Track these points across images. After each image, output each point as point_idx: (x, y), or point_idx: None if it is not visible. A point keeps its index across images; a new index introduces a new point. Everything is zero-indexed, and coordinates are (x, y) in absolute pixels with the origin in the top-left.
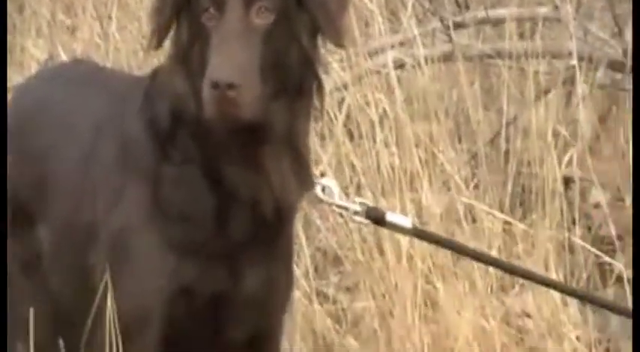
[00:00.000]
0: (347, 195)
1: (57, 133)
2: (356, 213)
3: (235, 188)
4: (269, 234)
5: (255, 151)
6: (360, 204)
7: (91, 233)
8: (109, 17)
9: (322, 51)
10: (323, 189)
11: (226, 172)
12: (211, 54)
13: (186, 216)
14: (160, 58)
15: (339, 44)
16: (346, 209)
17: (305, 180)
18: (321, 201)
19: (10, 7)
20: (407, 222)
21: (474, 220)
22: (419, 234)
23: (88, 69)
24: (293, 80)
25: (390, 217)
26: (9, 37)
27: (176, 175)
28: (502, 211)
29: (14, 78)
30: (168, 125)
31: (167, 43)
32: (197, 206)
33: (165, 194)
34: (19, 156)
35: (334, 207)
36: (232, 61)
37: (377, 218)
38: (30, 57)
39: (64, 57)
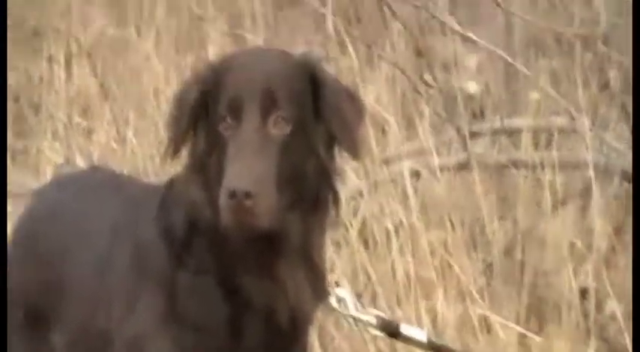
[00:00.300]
0: (361, 303)
1: (72, 239)
2: (370, 325)
3: (250, 297)
4: (283, 343)
5: (270, 261)
6: (375, 316)
7: (105, 340)
8: (126, 121)
9: (338, 160)
10: (338, 301)
11: (242, 281)
12: (228, 163)
13: (200, 325)
14: (177, 163)
15: (356, 156)
16: (361, 321)
17: (320, 290)
18: (335, 311)
19: (27, 109)
20: (422, 335)
21: (488, 331)
22: (434, 347)
23: (104, 176)
24: (309, 190)
25: (405, 330)
26: (25, 141)
27: (191, 283)
28: (517, 322)
29: (29, 182)
30: (184, 234)
31: (184, 152)
32: (211, 314)
33: (180, 302)
34: (34, 261)
35: (349, 319)
36: (249, 171)
37: (391, 331)
38: (46, 160)
39: (79, 160)
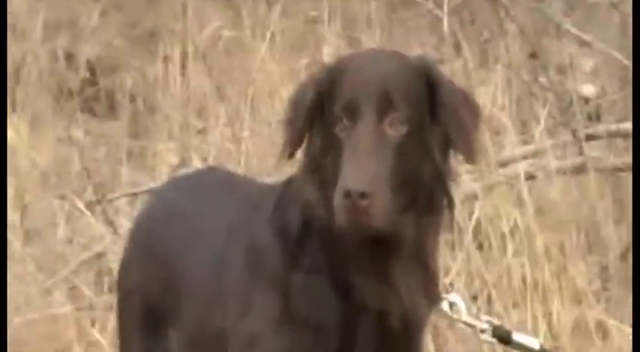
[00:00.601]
0: (476, 307)
1: (189, 239)
2: (482, 331)
3: (363, 298)
4: (396, 345)
5: (384, 263)
6: (487, 322)
7: (221, 339)
8: (241, 122)
9: (453, 163)
10: (450, 305)
11: (355, 282)
12: (344, 163)
13: (313, 324)
14: (291, 164)
15: (472, 159)
16: (472, 326)
17: (433, 295)
18: (448, 317)
19: (143, 110)
20: (534, 343)
21: (604, 335)
22: None
23: (220, 176)
24: (423, 193)
25: (517, 337)
26: (141, 142)
27: (304, 283)
28: (633, 327)
29: (146, 182)
30: (298, 232)
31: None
32: (324, 314)
33: (294, 302)
34: (152, 260)
35: (461, 324)
36: (364, 171)
37: (503, 337)
38: (162, 161)
39: (195, 161)
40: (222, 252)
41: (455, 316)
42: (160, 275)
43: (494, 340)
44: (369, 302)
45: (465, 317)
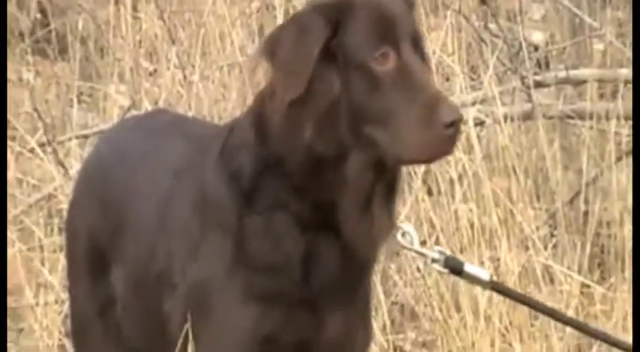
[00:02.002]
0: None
1: (136, 181)
2: (434, 261)
3: (344, 228)
4: (352, 280)
5: (372, 193)
6: (439, 252)
7: (166, 280)
8: (192, 66)
9: None
10: (402, 234)
11: (341, 213)
12: (418, 94)
13: (271, 265)
14: (242, 107)
15: None
16: (425, 256)
17: (394, 219)
18: (400, 246)
19: (93, 53)
20: (485, 274)
21: (551, 280)
22: (496, 287)
23: (169, 118)
24: None
25: (469, 268)
26: (91, 83)
27: (262, 223)
28: (580, 273)
29: (97, 124)
30: (253, 174)
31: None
32: (284, 252)
33: (249, 244)
34: (98, 202)
35: (413, 253)
36: (448, 98)
37: (455, 267)
38: (112, 103)
39: (146, 104)
40: (168, 194)
41: (407, 246)
42: (107, 216)
43: (445, 271)
44: (348, 233)
45: (417, 247)
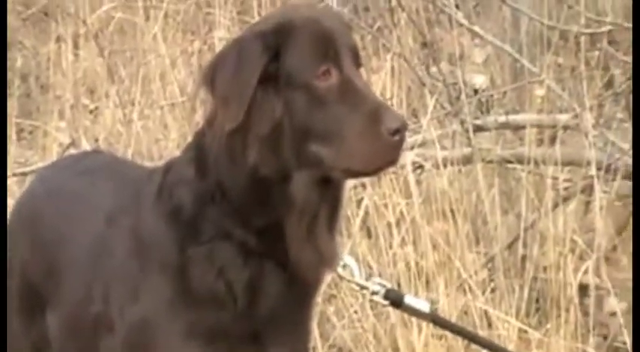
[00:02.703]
0: (367, 272)
1: (68, 221)
2: (375, 293)
3: (291, 254)
4: (296, 309)
5: (319, 212)
6: (380, 284)
7: (103, 323)
8: (132, 104)
9: None
10: (343, 267)
11: (290, 237)
12: (362, 105)
13: (214, 296)
14: (179, 145)
15: None
16: (366, 288)
17: (338, 244)
18: (341, 278)
19: (34, 89)
20: (425, 306)
21: (489, 325)
22: (436, 320)
23: (104, 159)
24: None
25: (409, 300)
26: (31, 120)
27: (206, 253)
28: (518, 317)
29: (37, 161)
30: (194, 207)
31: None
32: (226, 281)
33: (192, 276)
34: (31, 241)
35: (354, 285)
36: (392, 107)
37: (395, 299)
38: (52, 140)
39: (85, 142)
40: (101, 236)
41: (349, 278)
42: (40, 256)
43: (386, 303)
44: (294, 256)
45: (359, 279)
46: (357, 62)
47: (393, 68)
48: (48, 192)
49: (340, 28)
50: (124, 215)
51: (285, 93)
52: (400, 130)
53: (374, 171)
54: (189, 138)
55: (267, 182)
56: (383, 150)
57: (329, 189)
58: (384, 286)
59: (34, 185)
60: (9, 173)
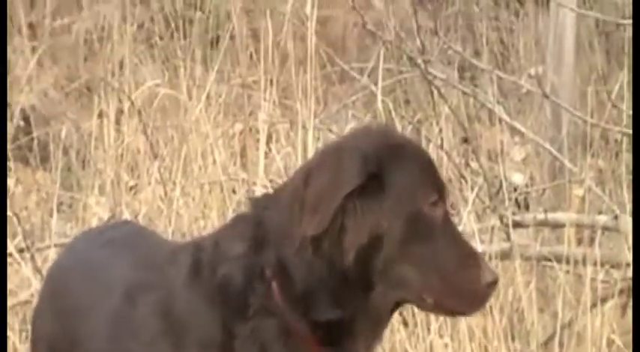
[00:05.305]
0: None
1: (88, 294)
2: None
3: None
4: None
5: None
6: None
7: None
8: (173, 182)
9: None
10: None
11: (351, 336)
12: (464, 247)
13: None
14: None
15: None
16: None
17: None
18: None
19: (76, 163)
20: None
21: None
22: None
23: (130, 230)
24: None
25: None
26: (72, 193)
27: (249, 331)
28: None
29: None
30: (244, 282)
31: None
32: None
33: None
34: (56, 313)
35: None
36: None
37: None
38: (92, 215)
39: (126, 216)
40: (120, 312)
41: None
42: (63, 328)
43: None
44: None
45: None
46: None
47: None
48: (73, 263)
49: (434, 166)
50: (146, 292)
51: (391, 209)
52: (494, 284)
53: (458, 311)
54: (229, 217)
55: (350, 284)
56: (475, 298)
57: (395, 309)
58: None
59: (62, 255)
60: (50, 243)
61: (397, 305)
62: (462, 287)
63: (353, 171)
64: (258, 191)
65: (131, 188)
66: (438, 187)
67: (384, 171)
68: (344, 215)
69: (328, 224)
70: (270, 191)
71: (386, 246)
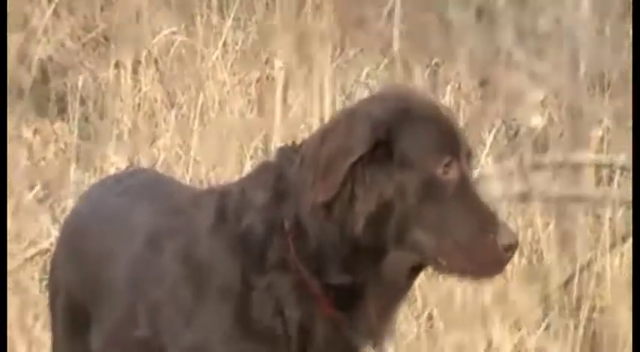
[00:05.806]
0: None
1: (108, 241)
2: None
3: (360, 314)
4: None
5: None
6: None
7: (150, 349)
8: (190, 130)
9: None
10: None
11: (363, 302)
12: (481, 209)
13: (271, 332)
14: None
15: None
16: None
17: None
18: None
19: (92, 113)
20: None
21: None
22: None
23: (147, 178)
24: None
25: None
26: (89, 144)
27: (265, 285)
28: None
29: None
30: (264, 234)
31: None
32: (284, 319)
33: (253, 308)
34: (76, 259)
35: None
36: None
37: None
38: (110, 164)
39: (144, 165)
40: (142, 258)
41: None
42: (84, 274)
43: None
44: (357, 319)
45: None
46: (470, 163)
47: (450, 104)
48: (90, 211)
49: (458, 124)
50: (169, 237)
51: (400, 176)
52: (513, 247)
53: (475, 276)
54: (248, 166)
55: (362, 250)
56: (493, 262)
57: (413, 275)
58: None
59: (78, 203)
60: (68, 193)
61: (414, 271)
62: (476, 252)
63: (360, 138)
64: (275, 138)
65: (149, 137)
66: (452, 148)
67: (394, 137)
68: (354, 182)
69: (337, 191)
70: (297, 142)
71: (397, 212)
